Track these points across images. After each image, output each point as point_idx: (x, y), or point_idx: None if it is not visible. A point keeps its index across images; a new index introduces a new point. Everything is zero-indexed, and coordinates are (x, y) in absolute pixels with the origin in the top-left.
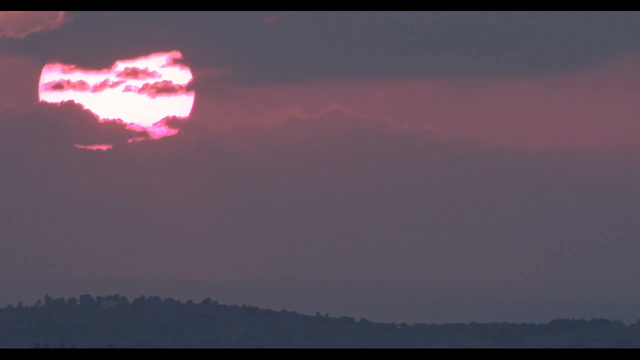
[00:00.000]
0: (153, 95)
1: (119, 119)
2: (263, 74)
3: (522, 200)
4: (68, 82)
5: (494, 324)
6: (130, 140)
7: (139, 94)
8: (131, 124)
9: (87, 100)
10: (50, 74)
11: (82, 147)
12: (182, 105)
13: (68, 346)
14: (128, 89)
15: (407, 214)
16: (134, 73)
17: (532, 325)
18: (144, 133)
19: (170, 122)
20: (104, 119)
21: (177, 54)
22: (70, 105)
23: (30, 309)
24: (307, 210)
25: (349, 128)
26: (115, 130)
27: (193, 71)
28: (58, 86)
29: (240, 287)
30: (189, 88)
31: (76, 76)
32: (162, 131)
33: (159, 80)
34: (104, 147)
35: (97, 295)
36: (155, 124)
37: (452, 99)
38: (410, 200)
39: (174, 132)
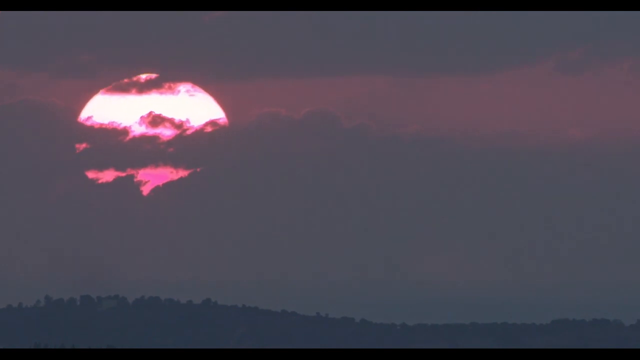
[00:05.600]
0: (125, 94)
1: (100, 118)
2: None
3: (521, 199)
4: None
5: (494, 324)
6: (120, 139)
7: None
8: (113, 122)
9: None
10: None
11: (74, 146)
12: (159, 103)
13: (68, 346)
14: (94, 86)
15: (406, 214)
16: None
17: (532, 325)
18: (125, 131)
19: (155, 120)
20: (85, 117)
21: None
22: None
23: (30, 309)
24: (308, 210)
25: (329, 127)
26: (99, 128)
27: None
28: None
29: (240, 287)
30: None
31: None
32: (146, 130)
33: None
34: (95, 146)
35: (97, 295)
36: (136, 122)
37: (440, 97)
38: (407, 200)
39: (159, 130)
